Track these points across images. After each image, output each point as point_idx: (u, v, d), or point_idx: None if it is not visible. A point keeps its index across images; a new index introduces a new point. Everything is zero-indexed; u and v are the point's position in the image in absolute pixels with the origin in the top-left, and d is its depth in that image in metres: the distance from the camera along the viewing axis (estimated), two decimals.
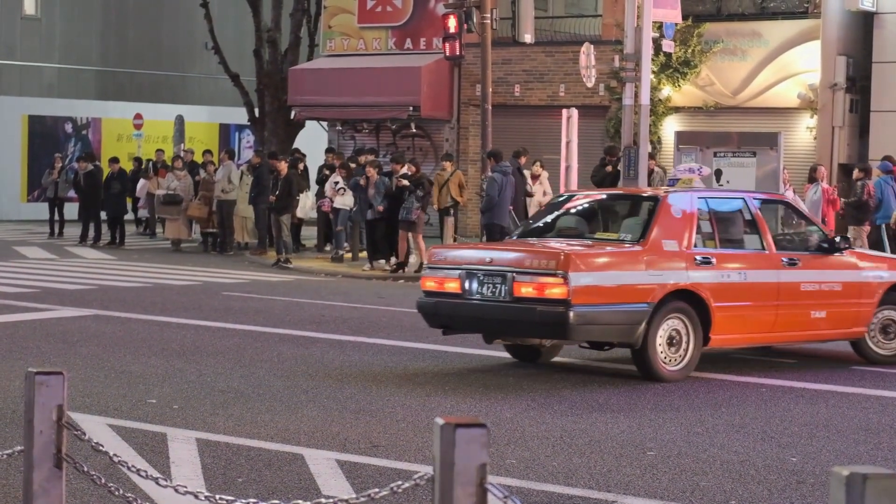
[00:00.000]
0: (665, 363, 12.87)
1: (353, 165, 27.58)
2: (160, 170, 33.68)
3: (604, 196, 15.42)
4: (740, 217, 14.09)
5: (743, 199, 14.17)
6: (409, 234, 24.38)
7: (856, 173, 24.22)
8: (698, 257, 13.12)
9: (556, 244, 13.30)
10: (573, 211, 14.61)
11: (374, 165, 25.68)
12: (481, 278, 12.93)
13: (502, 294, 12.72)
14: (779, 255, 13.75)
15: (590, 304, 12.44)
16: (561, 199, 15.32)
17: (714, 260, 13.24)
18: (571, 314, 12.28)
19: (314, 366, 13.49)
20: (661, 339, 12.82)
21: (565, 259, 12.40)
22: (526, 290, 12.54)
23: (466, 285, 13.02)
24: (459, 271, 13.12)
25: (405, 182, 24.35)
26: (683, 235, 13.16)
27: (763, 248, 13.72)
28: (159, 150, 36.49)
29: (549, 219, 14.60)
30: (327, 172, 28.58)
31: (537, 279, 12.48)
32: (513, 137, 29.87)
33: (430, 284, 13.50)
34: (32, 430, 5.81)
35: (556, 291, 12.33)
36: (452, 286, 13.16)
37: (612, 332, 12.81)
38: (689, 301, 12.99)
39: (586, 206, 14.74)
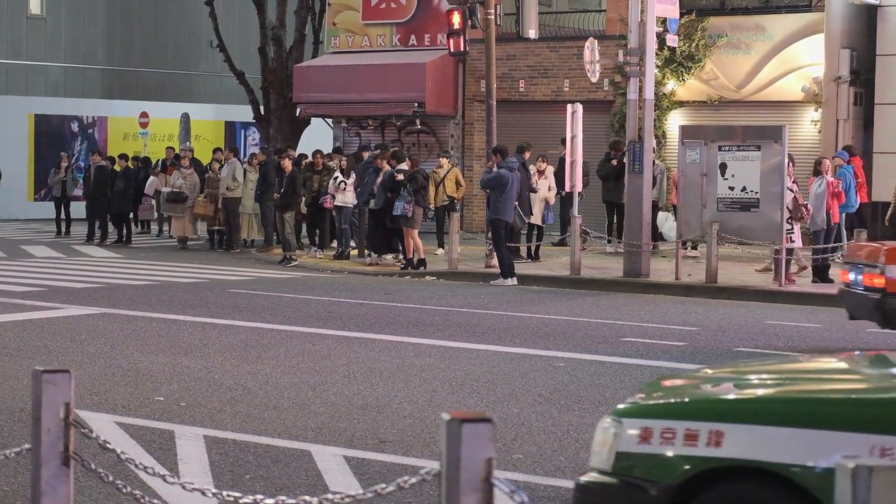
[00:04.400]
0: None
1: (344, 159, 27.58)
2: (169, 167, 33.69)
3: None
4: None
5: None
6: (405, 230, 24.34)
7: None
8: None
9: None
10: None
11: (384, 157, 25.67)
12: (857, 271, 14.43)
13: (861, 284, 14.30)
14: None
15: None
16: None
17: None
18: (888, 302, 13.73)
19: (321, 362, 13.51)
20: None
21: (883, 254, 13.86)
22: (867, 281, 14.15)
23: (851, 276, 14.59)
24: (849, 265, 14.74)
25: (400, 176, 24.39)
26: None
27: None
28: (169, 148, 36.46)
29: None
30: (308, 173, 28.33)
31: (869, 271, 14.07)
32: (518, 133, 29.86)
33: (843, 277, 15.04)
34: (40, 429, 5.84)
35: (877, 282, 13.88)
36: (845, 278, 14.83)
37: None
38: None
39: None
